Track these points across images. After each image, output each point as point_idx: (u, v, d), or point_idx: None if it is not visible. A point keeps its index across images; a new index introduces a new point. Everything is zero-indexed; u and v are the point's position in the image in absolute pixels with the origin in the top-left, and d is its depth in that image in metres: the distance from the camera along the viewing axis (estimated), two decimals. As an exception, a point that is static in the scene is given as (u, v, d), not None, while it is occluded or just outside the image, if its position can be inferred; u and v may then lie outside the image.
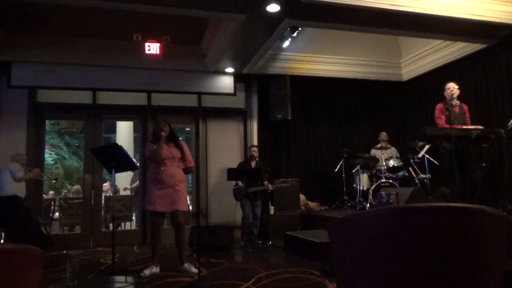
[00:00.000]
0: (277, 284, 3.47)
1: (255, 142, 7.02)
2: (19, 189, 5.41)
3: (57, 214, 7.47)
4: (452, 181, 4.62)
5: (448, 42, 6.42)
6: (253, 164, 6.14)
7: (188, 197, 4.73)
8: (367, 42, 6.99)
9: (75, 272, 3.46)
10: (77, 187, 8.90)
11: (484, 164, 4.56)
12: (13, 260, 1.45)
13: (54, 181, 7.13)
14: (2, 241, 5.01)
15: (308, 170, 7.41)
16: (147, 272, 3.84)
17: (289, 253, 5.05)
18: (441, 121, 4.82)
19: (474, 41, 5.93)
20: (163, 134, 3.96)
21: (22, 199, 5.44)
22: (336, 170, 6.59)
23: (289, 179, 6.54)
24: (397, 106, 7.97)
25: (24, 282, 1.50)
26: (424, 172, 5.91)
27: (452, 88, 4.89)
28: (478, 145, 4.56)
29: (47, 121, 7.87)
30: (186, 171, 4.18)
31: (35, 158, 6.24)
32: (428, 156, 5.84)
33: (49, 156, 12.75)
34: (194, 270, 3.87)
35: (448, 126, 4.48)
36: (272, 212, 6.34)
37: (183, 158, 4.10)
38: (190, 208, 6.91)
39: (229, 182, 6.11)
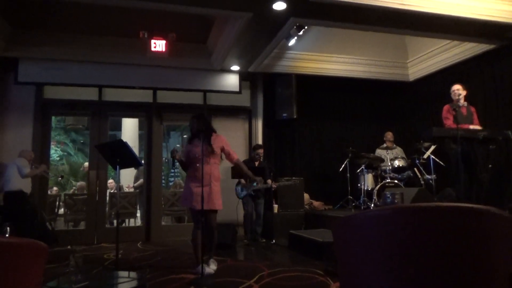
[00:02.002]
0: (280, 282, 3.47)
1: (260, 141, 7.01)
2: (25, 185, 5.45)
3: (62, 210, 7.52)
4: (458, 183, 4.59)
5: (455, 43, 6.35)
6: (256, 163, 6.12)
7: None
8: (373, 41, 6.94)
9: (78, 267, 3.47)
10: (82, 183, 8.95)
11: (490, 166, 4.53)
12: (17, 254, 1.46)
13: (60, 178, 7.14)
14: (7, 235, 5.04)
15: (313, 169, 7.40)
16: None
17: (292, 252, 5.05)
18: (449, 121, 4.78)
19: (482, 42, 5.87)
20: None
21: (28, 195, 5.48)
22: (340, 169, 6.56)
23: (294, 178, 6.52)
24: (403, 106, 7.92)
25: (28, 276, 1.51)
26: (429, 173, 5.87)
27: (456, 90, 4.91)
28: (485, 146, 4.52)
29: (53, 118, 7.91)
30: None
31: (41, 154, 6.27)
32: (433, 157, 5.79)
33: (54, 153, 12.83)
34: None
35: (455, 126, 4.46)
36: (276, 210, 6.33)
37: None
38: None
39: (232, 180, 6.10)
